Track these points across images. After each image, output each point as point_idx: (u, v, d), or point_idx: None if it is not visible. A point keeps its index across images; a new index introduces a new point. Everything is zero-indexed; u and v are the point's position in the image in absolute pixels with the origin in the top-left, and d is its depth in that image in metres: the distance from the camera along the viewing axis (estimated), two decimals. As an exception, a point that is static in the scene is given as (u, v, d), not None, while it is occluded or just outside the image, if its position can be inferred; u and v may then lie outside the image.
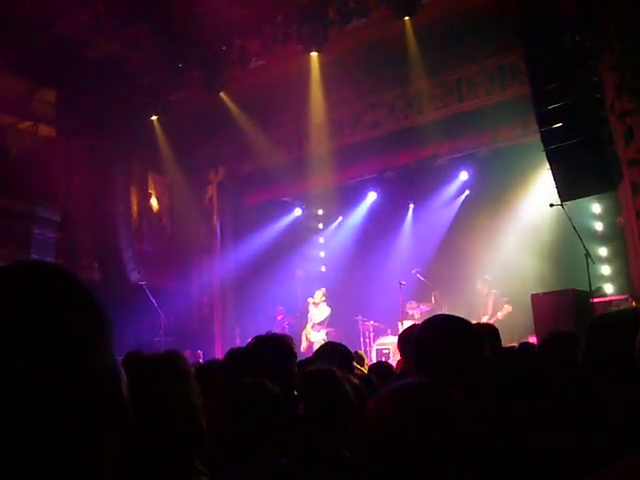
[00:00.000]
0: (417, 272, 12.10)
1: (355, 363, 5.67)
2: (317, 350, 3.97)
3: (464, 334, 2.15)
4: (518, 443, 1.91)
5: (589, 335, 2.24)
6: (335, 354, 3.66)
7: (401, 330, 11.04)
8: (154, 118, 13.00)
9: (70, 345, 0.80)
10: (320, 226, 16.45)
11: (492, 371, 2.12)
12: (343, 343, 4.05)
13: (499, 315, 10.59)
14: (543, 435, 1.97)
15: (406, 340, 4.58)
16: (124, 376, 0.88)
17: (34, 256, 11.71)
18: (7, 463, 0.74)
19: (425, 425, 1.33)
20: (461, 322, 2.23)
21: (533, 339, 8.89)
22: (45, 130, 13.71)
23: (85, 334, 0.83)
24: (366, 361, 7.22)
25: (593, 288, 8.27)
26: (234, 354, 3.80)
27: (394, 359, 9.93)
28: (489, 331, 4.12)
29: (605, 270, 10.96)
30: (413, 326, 6.06)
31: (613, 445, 1.93)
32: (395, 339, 11.70)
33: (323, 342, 12.03)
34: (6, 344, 0.76)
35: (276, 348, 3.24)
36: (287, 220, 15.31)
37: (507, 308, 10.61)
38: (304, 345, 11.69)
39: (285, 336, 3.43)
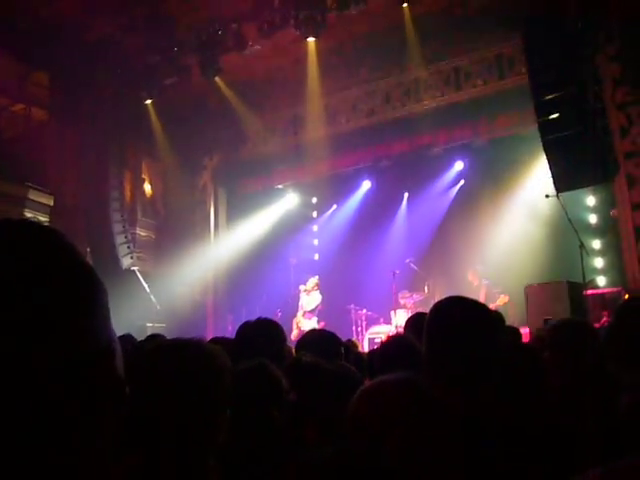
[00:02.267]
0: (411, 261, 12.08)
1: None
2: (302, 338, 3.89)
3: (480, 318, 2.04)
4: (527, 430, 1.88)
5: (617, 318, 2.19)
6: (321, 341, 3.62)
7: (393, 320, 11.12)
8: (148, 102, 12.89)
9: (60, 315, 0.73)
10: (314, 214, 16.40)
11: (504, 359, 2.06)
12: (334, 331, 3.98)
13: (498, 302, 10.58)
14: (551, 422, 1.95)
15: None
16: (119, 349, 0.81)
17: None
18: (4, 444, 0.69)
19: (404, 422, 1.30)
20: (477, 305, 2.13)
21: (525, 330, 8.90)
22: (38, 113, 13.58)
23: (76, 302, 0.75)
24: (359, 349, 7.21)
25: (586, 280, 8.27)
26: (218, 341, 3.77)
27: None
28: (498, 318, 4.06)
29: (598, 262, 10.96)
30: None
31: (624, 432, 1.91)
32: (388, 328, 11.72)
33: (315, 330, 12.07)
34: None
35: (265, 333, 3.21)
36: (281, 207, 15.25)
37: (503, 298, 10.60)
38: (294, 333, 11.66)
39: (274, 321, 3.40)
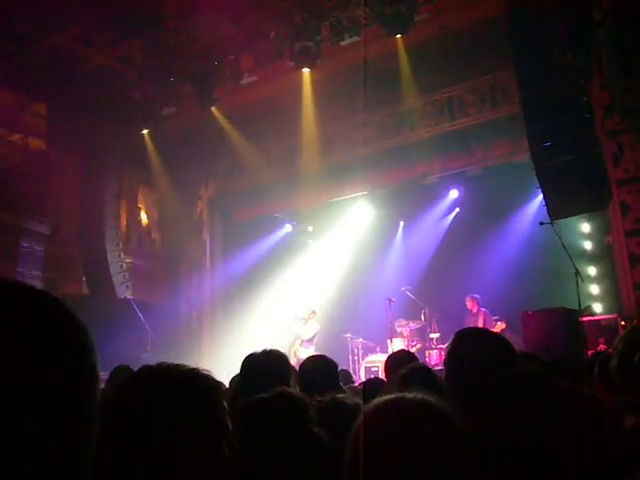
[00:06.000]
0: (407, 290, 12.06)
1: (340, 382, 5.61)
2: (302, 366, 3.89)
3: (501, 349, 2.10)
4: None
5: (626, 340, 2.20)
6: (321, 368, 3.60)
7: (390, 348, 11.07)
8: (145, 132, 12.97)
9: (45, 344, 0.77)
10: (310, 242, 16.41)
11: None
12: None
13: (495, 329, 10.53)
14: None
15: (393, 362, 4.53)
16: (98, 375, 0.84)
17: (21, 269, 11.62)
18: None
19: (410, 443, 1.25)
20: (498, 337, 2.19)
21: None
22: (36, 143, 13.65)
23: (58, 337, 0.79)
24: (354, 378, 7.14)
25: (582, 307, 8.25)
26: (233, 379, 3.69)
27: (383, 377, 9.85)
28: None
29: (594, 289, 10.97)
30: (402, 351, 6.03)
31: (624, 455, 1.91)
32: (384, 357, 11.64)
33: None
34: None
35: (272, 365, 3.16)
36: (277, 236, 15.27)
37: (500, 325, 10.57)
38: (292, 361, 11.58)
39: (280, 352, 3.34)
